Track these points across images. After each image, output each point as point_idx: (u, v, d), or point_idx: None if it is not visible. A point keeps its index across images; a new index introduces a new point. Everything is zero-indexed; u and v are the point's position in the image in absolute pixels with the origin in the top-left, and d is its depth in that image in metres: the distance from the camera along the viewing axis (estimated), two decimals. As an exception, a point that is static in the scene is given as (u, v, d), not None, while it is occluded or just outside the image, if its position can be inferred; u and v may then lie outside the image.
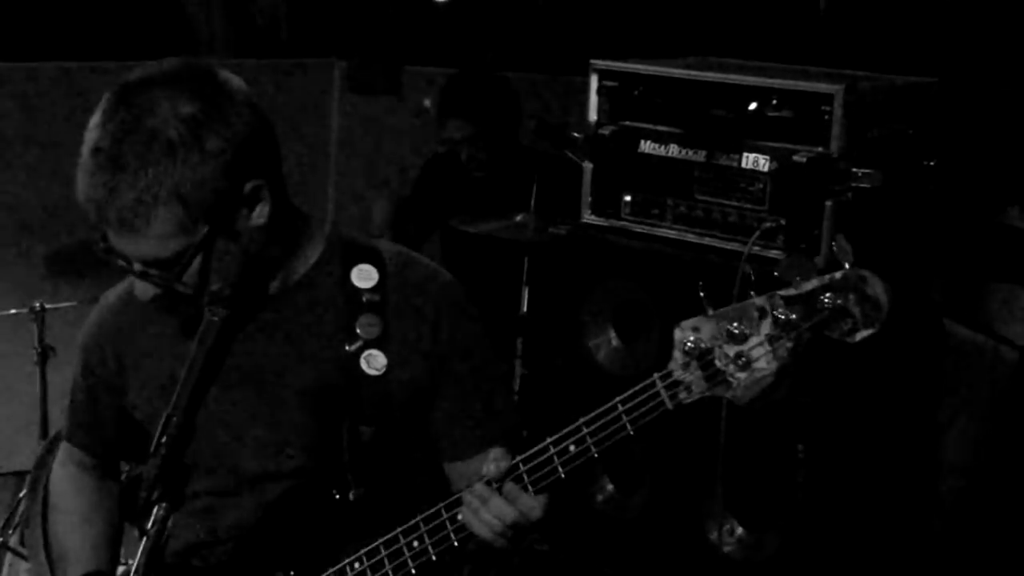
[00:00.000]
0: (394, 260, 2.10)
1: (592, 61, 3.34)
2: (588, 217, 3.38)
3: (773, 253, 3.02)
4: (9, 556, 3.74)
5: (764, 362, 1.76)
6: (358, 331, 2.02)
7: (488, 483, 1.88)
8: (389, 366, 2.02)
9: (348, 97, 5.67)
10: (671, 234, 3.24)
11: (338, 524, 2.02)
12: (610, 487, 3.49)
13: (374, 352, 2.02)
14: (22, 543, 3.69)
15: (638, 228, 3.30)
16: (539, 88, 4.84)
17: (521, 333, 3.97)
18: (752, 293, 1.78)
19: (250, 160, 1.89)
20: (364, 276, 2.06)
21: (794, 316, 1.75)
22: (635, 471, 3.43)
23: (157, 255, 1.87)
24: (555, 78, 4.81)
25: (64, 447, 2.30)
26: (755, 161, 3.07)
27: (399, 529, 1.95)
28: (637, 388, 1.82)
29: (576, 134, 3.38)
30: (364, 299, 2.04)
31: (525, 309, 3.96)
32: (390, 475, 2.05)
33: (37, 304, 3.90)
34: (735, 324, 1.77)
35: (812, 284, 1.75)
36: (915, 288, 3.11)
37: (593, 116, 3.33)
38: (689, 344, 1.80)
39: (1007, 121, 3.46)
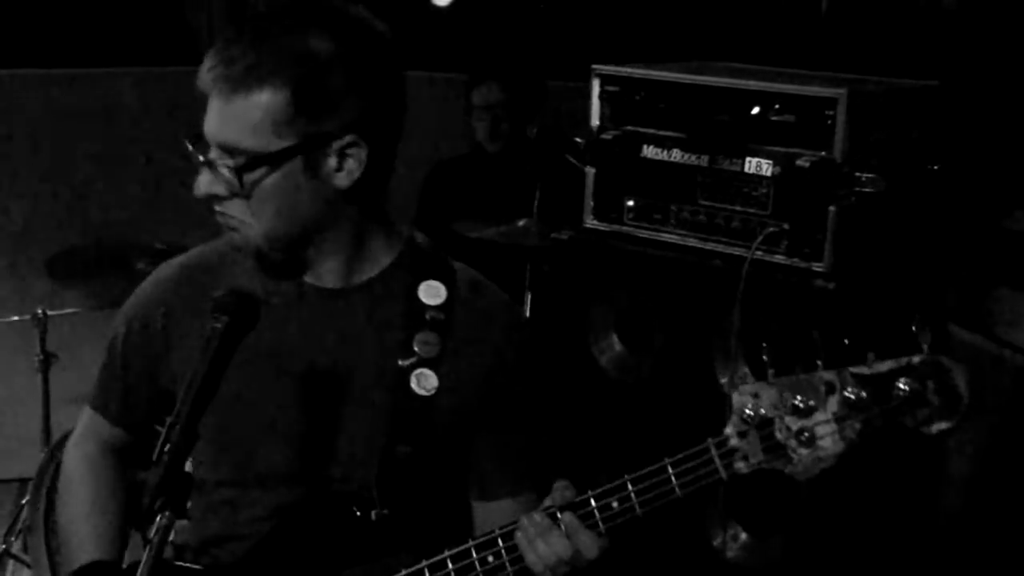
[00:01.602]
0: (466, 283, 2.05)
1: (594, 66, 3.33)
2: (590, 222, 3.37)
3: (777, 258, 3.01)
4: (11, 563, 3.73)
5: (830, 441, 1.70)
6: (415, 347, 1.97)
7: (550, 514, 1.84)
8: (439, 389, 1.96)
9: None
10: (674, 239, 3.23)
11: (354, 543, 1.96)
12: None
13: (426, 372, 1.97)
14: (24, 550, 3.68)
15: (641, 233, 3.29)
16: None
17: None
18: (819, 363, 1.71)
19: (368, 116, 1.88)
20: (432, 292, 2.01)
21: (865, 396, 1.68)
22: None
23: (239, 139, 1.84)
24: (557, 83, 4.81)
25: (86, 419, 2.24)
26: (758, 166, 3.06)
27: (448, 553, 1.89)
28: (689, 452, 1.78)
29: (578, 139, 3.37)
30: (428, 316, 1.99)
31: (527, 314, 3.95)
32: (417, 500, 1.99)
33: (39, 311, 3.90)
34: (799, 397, 1.70)
35: (887, 365, 1.69)
36: (919, 293, 3.11)
37: (595, 121, 3.32)
38: (748, 411, 1.74)
39: (1011, 124, 3.45)
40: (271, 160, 1.85)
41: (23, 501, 3.73)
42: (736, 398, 1.75)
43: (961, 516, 3.24)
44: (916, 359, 1.68)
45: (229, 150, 1.87)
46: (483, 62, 4.56)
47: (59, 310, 3.95)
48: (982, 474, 3.20)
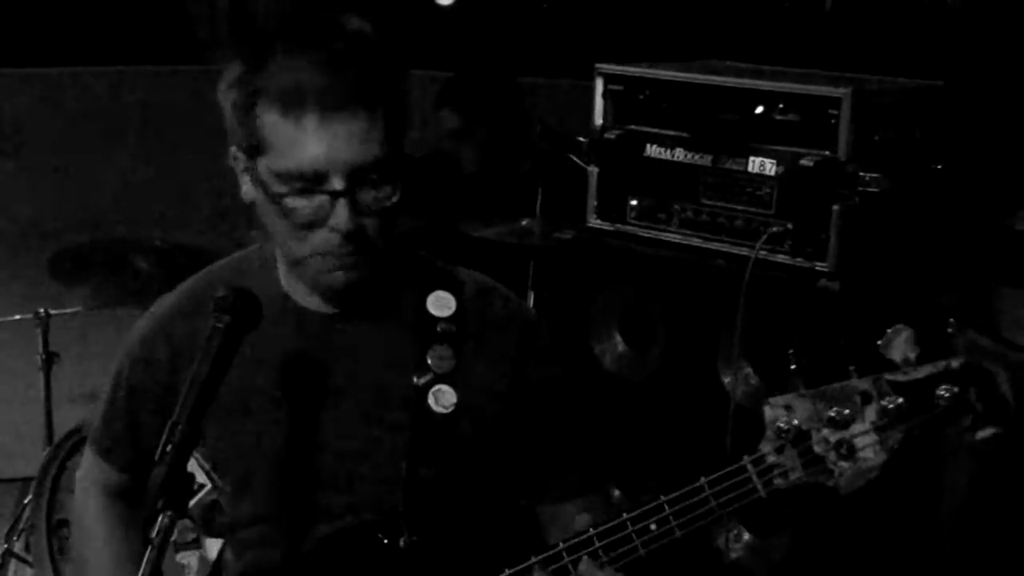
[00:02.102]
0: (474, 290, 1.98)
1: (597, 65, 3.33)
2: (594, 221, 3.37)
3: (780, 258, 3.01)
4: (14, 562, 3.73)
5: (871, 452, 1.64)
6: (429, 363, 1.89)
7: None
8: (459, 405, 1.89)
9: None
10: (677, 238, 3.22)
11: (384, 573, 1.88)
12: (617, 493, 3.47)
13: (444, 388, 1.89)
14: (27, 549, 3.68)
15: (644, 232, 3.28)
16: (544, 92, 4.83)
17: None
18: (852, 369, 1.64)
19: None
20: (441, 304, 1.93)
21: (904, 404, 1.60)
22: (641, 475, 3.42)
23: (376, 154, 1.75)
24: (560, 82, 4.81)
25: (92, 465, 2.15)
26: (762, 165, 3.05)
27: None
28: (725, 472, 1.71)
29: (581, 138, 3.37)
30: (439, 328, 1.91)
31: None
32: (446, 525, 1.91)
33: (41, 310, 3.90)
34: (835, 408, 1.64)
35: (925, 371, 1.61)
36: (923, 293, 3.10)
37: (599, 120, 3.32)
38: (782, 424, 1.67)
39: (1015, 123, 3.44)
40: (405, 168, 1.79)
41: (25, 501, 3.73)
42: (768, 412, 1.68)
43: (963, 517, 3.24)
44: (955, 363, 1.62)
45: (367, 169, 1.76)
46: (443, 90, 4.49)
47: (61, 309, 3.95)
48: (983, 475, 3.19)
